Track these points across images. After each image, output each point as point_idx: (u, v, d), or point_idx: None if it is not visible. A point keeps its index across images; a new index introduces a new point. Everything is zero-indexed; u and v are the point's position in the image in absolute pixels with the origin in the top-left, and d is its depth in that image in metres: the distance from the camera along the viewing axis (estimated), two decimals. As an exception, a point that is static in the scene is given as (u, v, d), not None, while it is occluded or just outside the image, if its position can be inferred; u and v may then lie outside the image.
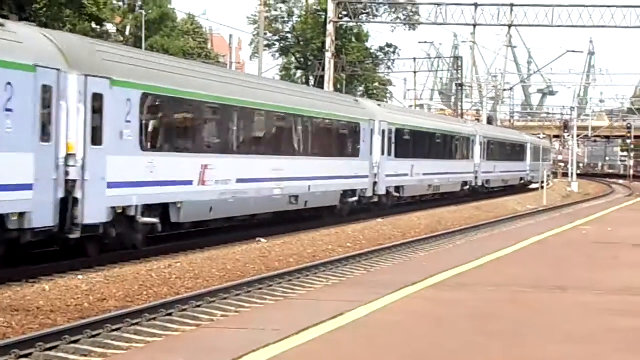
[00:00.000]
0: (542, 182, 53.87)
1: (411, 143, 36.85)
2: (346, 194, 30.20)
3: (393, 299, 10.50)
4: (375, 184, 32.46)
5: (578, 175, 79.25)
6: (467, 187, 47.06)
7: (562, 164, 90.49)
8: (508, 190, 57.23)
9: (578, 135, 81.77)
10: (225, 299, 14.90)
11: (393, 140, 34.35)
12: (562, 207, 46.13)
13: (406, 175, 36.01)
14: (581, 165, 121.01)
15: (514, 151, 59.95)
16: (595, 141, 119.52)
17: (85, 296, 14.63)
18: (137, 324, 12.60)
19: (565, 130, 74.97)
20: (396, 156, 34.55)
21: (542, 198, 49.88)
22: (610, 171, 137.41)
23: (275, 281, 16.91)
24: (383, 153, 33.09)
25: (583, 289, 11.67)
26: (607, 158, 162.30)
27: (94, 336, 11.66)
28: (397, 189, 35.16)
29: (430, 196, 41.10)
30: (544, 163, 69.81)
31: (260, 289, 16.08)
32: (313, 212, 28.43)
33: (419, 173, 37.65)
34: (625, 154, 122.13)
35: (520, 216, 37.82)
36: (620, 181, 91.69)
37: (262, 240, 23.49)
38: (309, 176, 27.01)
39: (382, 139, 33.09)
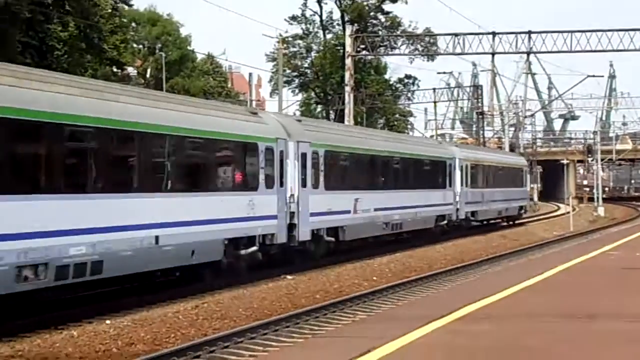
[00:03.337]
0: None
1: None
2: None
3: (421, 333, 10.44)
4: None
5: (604, 199, 78.80)
6: (259, 250, 22.37)
7: (587, 189, 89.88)
8: (406, 242, 33.04)
9: (602, 159, 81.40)
10: (252, 338, 14.88)
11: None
12: (589, 232, 45.82)
13: None
14: (607, 189, 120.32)
15: (421, 173, 34.95)
16: (620, 164, 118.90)
17: (113, 341, 14.65)
18: (165, 367, 12.60)
19: (589, 155, 74.56)
20: None
21: (568, 224, 49.61)
22: (637, 194, 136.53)
23: (302, 318, 16.87)
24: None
25: (612, 316, 11.57)
26: (633, 181, 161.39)
27: (123, 381, 11.67)
28: None
29: None
30: (506, 190, 46.52)
31: (287, 327, 16.05)
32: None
33: None
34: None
35: (547, 243, 37.59)
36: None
37: (288, 276, 23.47)
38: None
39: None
